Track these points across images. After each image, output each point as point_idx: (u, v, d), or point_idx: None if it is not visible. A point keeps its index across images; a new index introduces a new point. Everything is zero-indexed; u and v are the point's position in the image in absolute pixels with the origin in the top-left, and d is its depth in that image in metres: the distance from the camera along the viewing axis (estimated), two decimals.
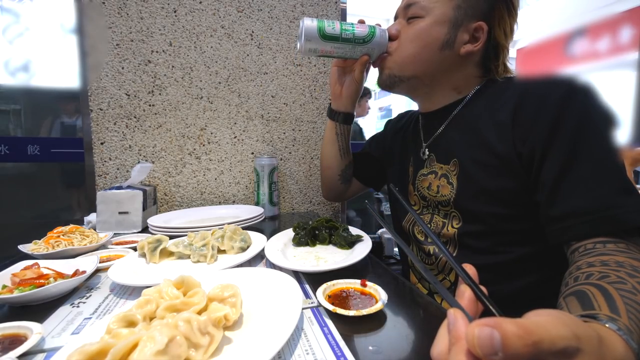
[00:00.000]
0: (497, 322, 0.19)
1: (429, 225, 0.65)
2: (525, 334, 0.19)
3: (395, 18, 0.67)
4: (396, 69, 0.63)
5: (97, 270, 0.57)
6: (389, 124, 0.92)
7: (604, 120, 0.48)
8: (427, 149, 0.68)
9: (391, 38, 0.64)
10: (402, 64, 0.62)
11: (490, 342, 0.19)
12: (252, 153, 1.17)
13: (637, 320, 0.31)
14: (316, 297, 0.43)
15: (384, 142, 0.89)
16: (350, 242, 0.66)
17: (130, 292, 0.49)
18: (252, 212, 0.91)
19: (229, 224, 0.70)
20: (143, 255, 0.60)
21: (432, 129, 0.67)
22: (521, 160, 0.52)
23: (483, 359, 0.20)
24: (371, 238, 0.67)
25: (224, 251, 0.63)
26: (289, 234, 0.73)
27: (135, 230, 0.85)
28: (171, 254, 0.62)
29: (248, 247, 0.65)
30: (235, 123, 1.15)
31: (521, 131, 0.52)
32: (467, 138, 0.60)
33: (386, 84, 0.66)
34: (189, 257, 0.61)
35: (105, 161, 1.05)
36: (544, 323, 0.20)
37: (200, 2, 1.09)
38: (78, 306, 0.45)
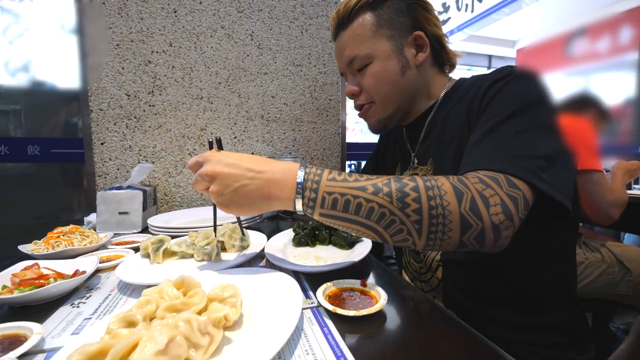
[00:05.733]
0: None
1: None
2: (199, 156, 0.48)
3: (342, 74, 0.72)
4: (382, 112, 0.67)
5: (97, 271, 0.57)
6: (381, 137, 0.93)
7: (526, 98, 0.48)
8: (415, 158, 0.71)
9: (354, 93, 0.68)
10: (384, 105, 0.66)
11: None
12: (252, 153, 1.17)
13: (332, 174, 0.44)
14: (316, 297, 0.43)
15: (377, 157, 0.90)
16: (350, 242, 0.66)
17: (130, 292, 0.49)
18: None
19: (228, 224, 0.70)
20: (146, 255, 0.60)
21: (416, 137, 0.71)
22: None
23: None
24: None
25: (224, 249, 0.63)
26: (289, 234, 0.73)
27: (135, 231, 0.85)
28: (173, 253, 0.62)
29: (248, 247, 0.65)
30: (235, 123, 1.15)
31: (469, 119, 0.55)
32: (440, 137, 0.63)
33: (380, 128, 0.70)
34: (191, 256, 0.61)
35: (105, 161, 1.05)
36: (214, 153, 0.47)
37: (200, 3, 1.09)
38: (78, 306, 0.45)
